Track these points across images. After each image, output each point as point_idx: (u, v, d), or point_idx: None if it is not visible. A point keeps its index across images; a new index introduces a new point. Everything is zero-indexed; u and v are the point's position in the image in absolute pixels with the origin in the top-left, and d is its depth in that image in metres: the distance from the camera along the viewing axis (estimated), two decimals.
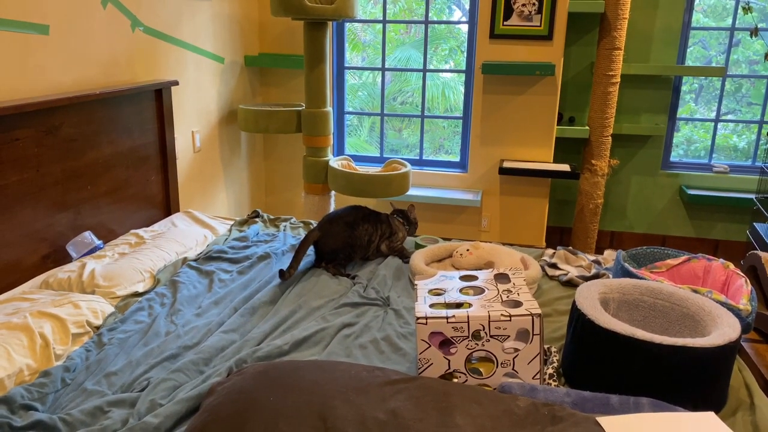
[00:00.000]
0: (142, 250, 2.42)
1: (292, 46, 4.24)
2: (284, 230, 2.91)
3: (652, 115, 4.32)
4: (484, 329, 1.54)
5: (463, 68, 4.24)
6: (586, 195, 4.23)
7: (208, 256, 2.51)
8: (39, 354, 1.69)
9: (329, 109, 3.75)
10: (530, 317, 1.53)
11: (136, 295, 2.19)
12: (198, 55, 3.52)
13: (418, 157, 4.46)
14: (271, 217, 3.07)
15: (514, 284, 1.71)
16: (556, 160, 4.29)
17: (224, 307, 2.12)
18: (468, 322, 1.54)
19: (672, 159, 4.44)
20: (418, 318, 1.55)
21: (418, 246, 2.70)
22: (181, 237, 2.61)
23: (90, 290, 2.13)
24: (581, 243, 4.32)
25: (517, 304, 1.60)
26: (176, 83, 3.08)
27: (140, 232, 2.69)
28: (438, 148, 8.36)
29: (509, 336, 1.55)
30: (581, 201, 4.27)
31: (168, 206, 3.14)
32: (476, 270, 2.45)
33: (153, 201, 3.03)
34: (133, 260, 2.32)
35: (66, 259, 2.46)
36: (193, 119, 3.54)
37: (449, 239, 2.91)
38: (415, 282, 1.78)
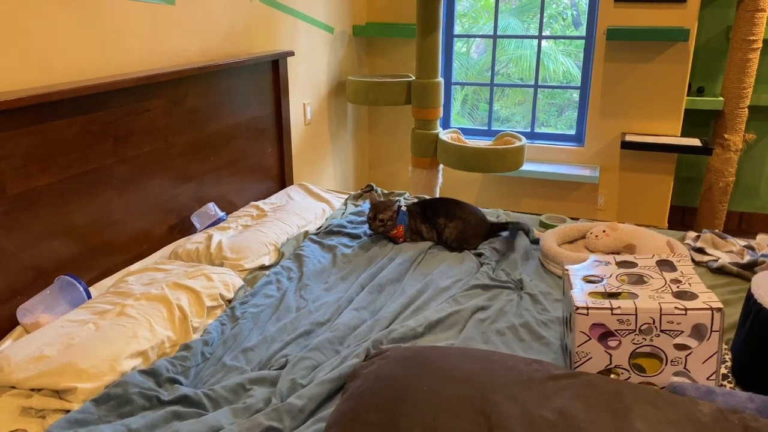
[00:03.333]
0: (264, 223, 2.40)
1: (398, 14, 4.11)
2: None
3: None
4: (654, 323, 1.38)
5: (582, 34, 3.96)
6: (716, 172, 3.88)
7: (329, 230, 2.46)
8: (178, 326, 1.69)
9: (440, 79, 3.61)
10: (710, 312, 1.36)
11: (263, 268, 2.17)
12: (310, 25, 3.46)
13: (527, 130, 4.24)
14: (385, 191, 2.99)
15: (682, 273, 1.53)
16: (683, 134, 3.95)
17: (351, 283, 2.06)
18: (636, 314, 1.39)
19: None
20: (578, 307, 1.41)
21: (544, 225, 2.54)
22: (300, 210, 2.58)
23: (218, 262, 2.13)
24: (707, 224, 3.98)
25: (692, 296, 1.42)
26: (292, 54, 3.03)
27: (260, 204, 2.68)
28: (530, 120, 7.99)
29: (682, 332, 1.38)
30: (710, 178, 3.92)
31: (283, 179, 3.13)
32: (613, 253, 2.27)
33: (269, 173, 3.02)
34: (258, 233, 2.30)
35: (191, 230, 2.49)
36: (305, 91, 3.50)
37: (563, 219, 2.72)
38: (566, 267, 1.63)
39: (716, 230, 2.38)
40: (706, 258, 2.23)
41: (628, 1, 3.64)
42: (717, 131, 3.85)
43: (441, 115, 3.69)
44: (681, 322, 1.37)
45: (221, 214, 2.50)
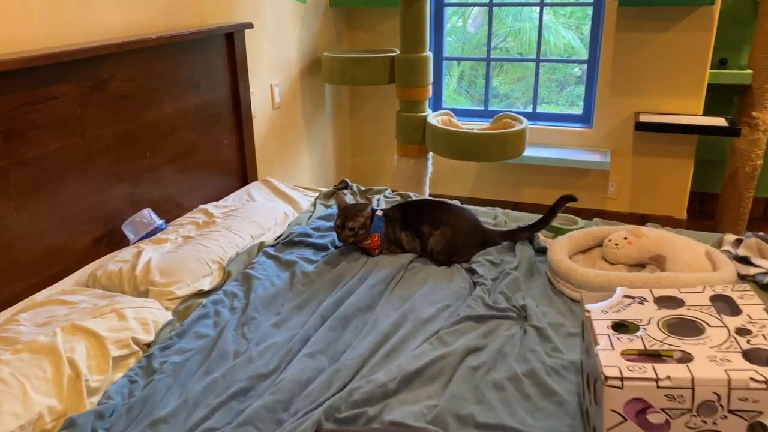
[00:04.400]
0: (210, 234, 1.97)
1: None
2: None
3: None
4: (719, 400, 0.96)
5: (589, 0, 3.48)
6: (742, 155, 3.43)
7: (290, 241, 2.02)
8: (66, 390, 1.26)
9: (428, 53, 3.14)
10: None
11: (201, 294, 1.74)
12: None
13: (528, 110, 3.78)
14: (362, 188, 2.54)
15: (750, 317, 1.10)
16: (705, 113, 3.49)
17: (309, 314, 1.63)
18: (693, 387, 0.96)
19: None
20: (608, 377, 0.99)
21: (551, 229, 2.11)
22: (257, 215, 2.14)
23: (144, 288, 1.70)
24: (731, 213, 3.55)
25: None
26: (250, 26, 2.57)
27: (210, 207, 2.24)
28: (531, 98, 7.49)
29: (761, 412, 0.95)
30: (734, 162, 3.47)
31: (244, 173, 2.69)
32: (638, 265, 1.84)
33: (226, 168, 2.57)
34: (199, 247, 1.87)
35: (124, 241, 2.05)
36: (272, 70, 3.03)
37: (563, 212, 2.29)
38: (586, 308, 1.20)
39: (761, 233, 1.95)
40: (753, 270, 1.80)
41: None
42: (743, 109, 3.39)
43: (430, 94, 3.23)
44: (759, 399, 0.95)
45: (159, 222, 2.07)
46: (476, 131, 3.01)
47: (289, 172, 3.30)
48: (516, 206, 3.80)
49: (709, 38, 3.18)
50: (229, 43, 2.49)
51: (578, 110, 3.69)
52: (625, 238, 1.84)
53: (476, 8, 8.04)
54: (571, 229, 2.09)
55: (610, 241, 1.86)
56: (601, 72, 3.41)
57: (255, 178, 2.75)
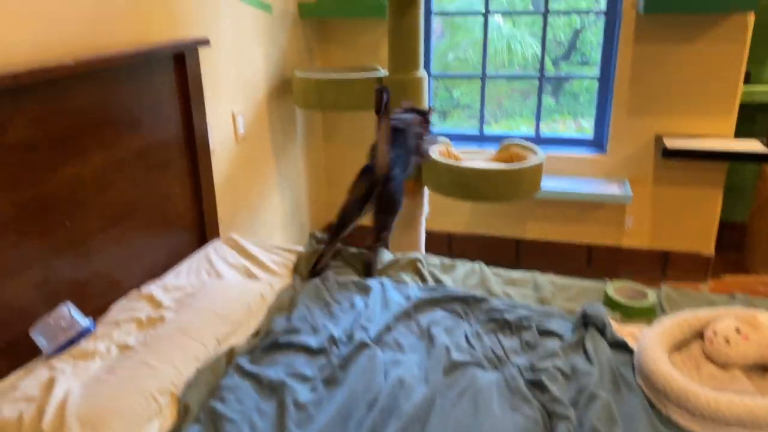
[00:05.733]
0: (157, 342, 1.38)
1: None
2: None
3: None
4: None
5: (602, 8, 3.03)
6: None
7: (272, 343, 1.45)
8: None
9: (423, 73, 2.62)
10: None
11: None
12: (237, 4, 2.42)
13: (530, 133, 3.30)
14: (351, 251, 1.99)
15: None
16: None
17: None
18: None
19: None
20: None
21: (617, 306, 1.60)
22: (222, 303, 1.56)
23: None
24: (763, 247, 3.14)
25: None
26: (206, 42, 1.99)
27: (156, 291, 1.65)
28: (497, 109, 7.02)
29: None
30: (765, 189, 3.07)
31: (202, 229, 2.10)
32: (761, 366, 1.34)
33: (179, 225, 1.98)
34: (141, 368, 1.28)
35: (33, 351, 1.45)
36: (234, 95, 2.45)
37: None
38: None
39: None
40: None
41: None
42: None
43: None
44: None
45: (83, 323, 1.47)
46: (484, 166, 2.50)
47: (257, 216, 2.71)
48: (518, 244, 3.31)
49: (742, 51, 2.76)
50: (180, 65, 1.91)
51: (589, 133, 3.23)
52: (738, 331, 1.35)
53: (438, 18, 7.61)
54: (645, 309, 1.59)
55: (716, 334, 1.36)
56: (617, 90, 2.95)
57: (216, 234, 2.16)
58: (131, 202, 1.75)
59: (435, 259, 1.97)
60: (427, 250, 3.11)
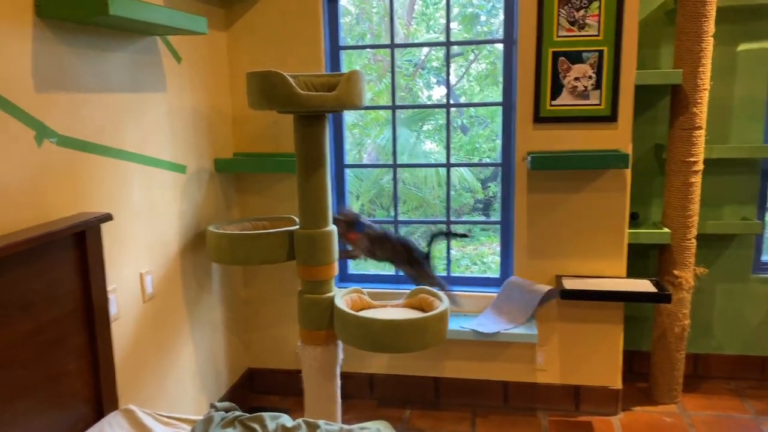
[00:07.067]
0: None
1: (276, 141, 3.28)
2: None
3: (737, 207, 3.40)
4: None
5: (497, 160, 3.30)
6: (669, 315, 3.23)
7: None
8: None
9: (331, 228, 2.75)
10: None
11: None
12: (147, 167, 2.53)
13: (443, 274, 3.45)
14: (244, 415, 1.98)
15: None
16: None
17: None
18: None
19: (765, 260, 3.49)
20: None
21: None
22: None
23: None
24: (665, 376, 3.29)
25: None
26: (108, 218, 2.06)
27: None
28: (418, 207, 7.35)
29: None
30: (662, 323, 3.26)
31: (98, 403, 2.05)
32: None
33: (73, 401, 1.94)
34: None
35: None
36: (143, 256, 2.50)
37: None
38: None
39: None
40: None
41: (548, 122, 3.03)
42: (664, 267, 3.24)
43: (336, 272, 2.79)
44: None
45: None
46: (393, 317, 2.58)
47: (162, 379, 2.66)
48: (437, 382, 3.35)
49: (624, 198, 3.04)
50: (80, 241, 1.96)
51: (496, 273, 3.40)
52: None
53: (369, 141, 8.04)
54: None
55: None
56: (516, 233, 3.16)
57: (115, 407, 2.11)
58: (23, 383, 1.72)
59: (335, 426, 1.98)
60: (347, 394, 3.11)
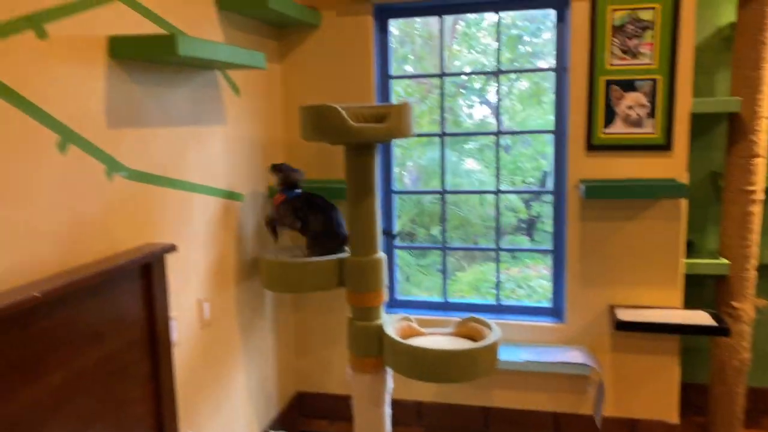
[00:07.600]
0: None
1: (328, 169, 3.34)
2: None
3: None
4: None
5: (549, 188, 3.28)
6: (728, 348, 3.13)
7: None
8: None
9: (381, 255, 2.77)
10: None
11: None
12: (207, 196, 2.61)
13: (493, 302, 3.43)
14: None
15: None
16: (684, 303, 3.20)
17: None
18: None
19: None
20: None
21: None
22: None
23: None
24: (724, 411, 3.18)
25: None
26: (173, 248, 2.13)
27: None
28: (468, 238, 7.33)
29: None
30: (720, 356, 3.16)
31: (161, 429, 2.11)
32: None
33: (137, 427, 2.00)
34: None
35: None
36: (201, 284, 2.57)
37: None
38: None
39: None
40: None
41: (602, 150, 3.01)
42: (721, 298, 3.14)
43: (385, 298, 2.81)
44: None
45: None
46: (445, 347, 2.58)
47: (222, 402, 2.72)
48: (486, 412, 3.32)
49: (679, 227, 2.98)
50: (146, 273, 2.04)
51: (548, 302, 3.36)
52: None
53: (410, 163, 8.05)
54: None
55: None
56: (569, 264, 3.13)
57: (175, 431, 2.17)
58: (92, 411, 1.79)
59: None
60: (394, 421, 3.11)
